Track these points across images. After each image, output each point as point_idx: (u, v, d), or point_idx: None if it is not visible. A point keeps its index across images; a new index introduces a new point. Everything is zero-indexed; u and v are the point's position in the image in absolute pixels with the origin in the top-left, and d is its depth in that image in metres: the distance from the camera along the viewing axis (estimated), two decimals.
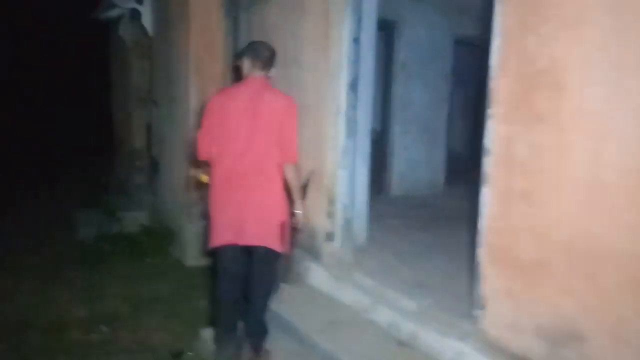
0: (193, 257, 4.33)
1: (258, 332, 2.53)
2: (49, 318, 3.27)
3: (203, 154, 2.54)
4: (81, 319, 3.28)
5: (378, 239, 3.57)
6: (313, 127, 3.29)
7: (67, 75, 12.83)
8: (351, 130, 3.14)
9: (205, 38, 4.40)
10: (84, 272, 4.06)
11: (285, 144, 2.40)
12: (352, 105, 3.12)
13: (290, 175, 2.45)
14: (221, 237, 2.47)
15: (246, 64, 2.47)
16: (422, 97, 5.49)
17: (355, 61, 3.12)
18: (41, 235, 4.95)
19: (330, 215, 3.22)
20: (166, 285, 3.88)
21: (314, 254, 3.34)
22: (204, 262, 4.29)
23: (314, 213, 3.32)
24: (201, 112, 4.42)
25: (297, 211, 2.51)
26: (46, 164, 8.94)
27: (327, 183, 3.22)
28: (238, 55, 2.57)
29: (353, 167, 3.19)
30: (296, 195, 2.49)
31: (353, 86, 3.10)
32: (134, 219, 5.12)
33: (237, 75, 2.62)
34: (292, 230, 2.56)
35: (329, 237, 3.24)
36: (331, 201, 3.20)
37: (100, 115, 7.96)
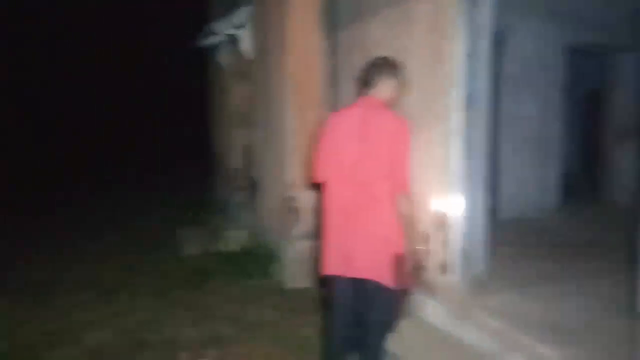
0: (293, 280, 4.29)
1: None
2: (162, 336, 3.37)
3: (316, 177, 2.44)
4: (191, 340, 3.33)
5: (496, 270, 3.25)
6: (422, 149, 3.09)
7: (169, 100, 13.87)
8: (466, 151, 2.90)
9: (303, 60, 4.40)
10: (191, 290, 4.18)
11: (395, 172, 2.22)
12: (467, 124, 2.88)
13: (402, 206, 2.24)
14: (330, 265, 2.38)
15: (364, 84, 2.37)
16: (533, 112, 5.06)
17: (471, 77, 2.89)
18: (149, 253, 5.23)
19: (445, 245, 2.98)
20: (270, 308, 3.85)
21: (427, 286, 3.11)
22: (304, 284, 4.24)
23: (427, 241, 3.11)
24: (300, 135, 4.47)
25: (416, 247, 2.29)
26: (148, 182, 9.58)
27: (442, 209, 2.99)
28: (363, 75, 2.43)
29: (470, 191, 2.93)
30: (408, 228, 2.28)
31: (468, 103, 2.87)
32: (235, 238, 5.22)
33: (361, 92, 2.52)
34: (409, 267, 2.35)
35: (445, 268, 3.00)
36: (446, 229, 2.97)
37: (199, 136, 8.37)
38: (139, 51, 14.22)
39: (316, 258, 4.29)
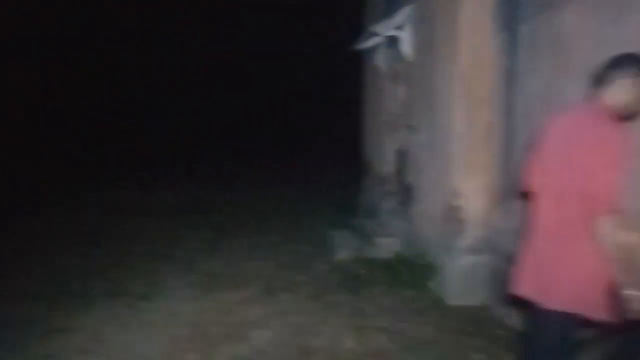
0: (456, 296, 3.95)
1: None
2: (322, 343, 3.32)
3: (528, 184, 2.20)
4: (351, 351, 3.22)
5: None
6: None
7: (325, 103, 14.44)
8: None
9: (473, 58, 4.04)
10: (346, 297, 4.10)
11: (595, 187, 1.86)
12: None
13: (599, 234, 1.86)
14: (522, 285, 2.16)
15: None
16: None
17: None
18: (302, 254, 5.31)
19: None
20: (430, 325, 3.59)
21: None
22: (468, 302, 3.88)
23: None
24: (468, 138, 4.13)
25: (627, 292, 1.84)
26: (301, 183, 9.95)
27: None
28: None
29: None
30: (616, 261, 1.85)
31: None
32: (388, 245, 5.05)
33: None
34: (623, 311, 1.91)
35: None
36: None
37: (352, 140, 8.42)
38: (294, 54, 15.03)
39: (486, 275, 3.93)
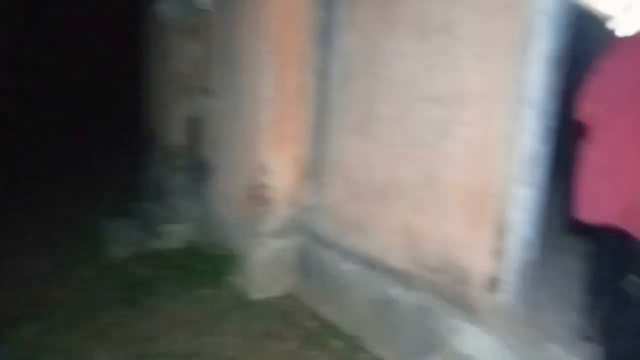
0: (261, 288, 3.34)
1: None
2: None
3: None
4: None
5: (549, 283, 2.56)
6: (475, 124, 2.28)
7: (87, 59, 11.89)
8: (544, 129, 2.14)
9: (283, 8, 3.41)
10: (123, 311, 3.04)
11: None
12: (549, 93, 2.11)
13: None
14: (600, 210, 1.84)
15: None
16: None
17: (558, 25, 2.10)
18: (63, 254, 3.91)
19: (498, 253, 2.20)
20: (231, 332, 2.87)
21: (465, 307, 2.33)
22: (276, 292, 3.31)
23: (468, 248, 2.32)
24: (277, 104, 3.51)
25: None
26: (62, 159, 7.93)
27: (494, 206, 2.21)
28: None
29: (540, 184, 2.18)
30: None
31: (553, 63, 2.10)
32: (178, 234, 4.13)
33: None
34: None
35: (494, 285, 2.23)
36: (500, 233, 2.19)
37: (130, 104, 6.94)
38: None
39: (295, 259, 3.41)
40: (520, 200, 2.14)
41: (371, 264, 2.85)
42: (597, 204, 1.83)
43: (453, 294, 2.37)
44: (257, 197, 3.44)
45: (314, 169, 3.37)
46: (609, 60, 1.93)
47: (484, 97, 2.24)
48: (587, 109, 1.94)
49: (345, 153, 3.07)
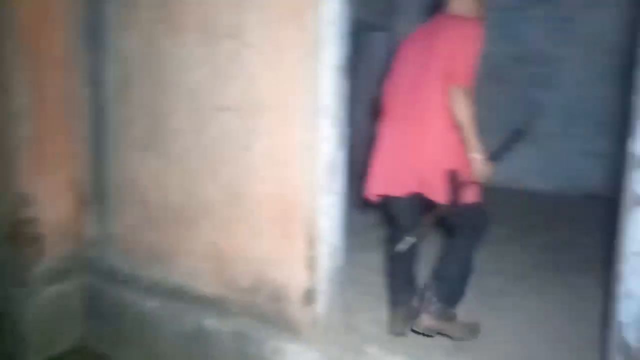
0: (38, 349, 2.68)
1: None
2: None
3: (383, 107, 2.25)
4: None
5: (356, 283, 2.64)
6: (274, 134, 2.18)
7: None
8: (342, 136, 2.16)
9: (36, 3, 2.77)
10: None
11: (452, 66, 1.94)
12: (343, 99, 2.14)
13: (456, 102, 1.92)
14: (380, 186, 2.19)
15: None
16: None
17: (343, 35, 2.13)
18: None
19: (312, 264, 2.16)
20: None
21: (285, 325, 2.23)
22: (61, 348, 2.71)
23: (282, 263, 2.22)
24: (37, 117, 2.84)
25: (474, 156, 1.95)
26: None
27: (304, 217, 2.16)
28: None
29: (341, 190, 2.20)
30: (467, 132, 1.93)
31: (345, 70, 2.12)
32: None
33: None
34: (462, 182, 2.01)
35: (311, 297, 2.18)
36: (312, 243, 2.15)
37: None
38: None
39: (81, 303, 2.82)
40: (326, 208, 2.13)
41: (178, 295, 2.54)
42: (398, 180, 2.13)
43: (271, 314, 2.25)
44: (22, 235, 2.73)
45: (96, 194, 2.84)
46: (395, 61, 2.21)
47: (280, 106, 2.16)
48: (383, 104, 2.23)
49: (133, 172, 2.66)
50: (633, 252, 1.60)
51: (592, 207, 4.63)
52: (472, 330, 2.17)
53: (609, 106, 5.06)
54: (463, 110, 1.90)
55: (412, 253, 2.21)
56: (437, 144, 2.00)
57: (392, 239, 2.25)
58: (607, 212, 2.54)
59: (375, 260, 2.99)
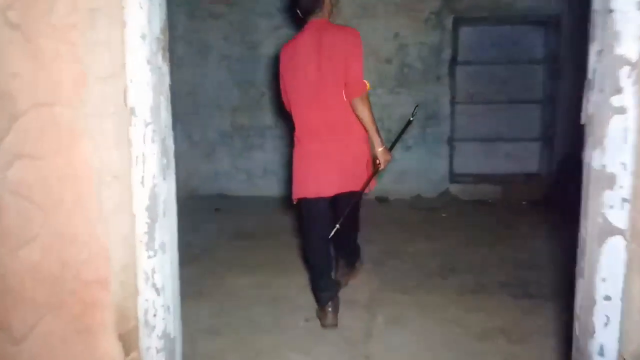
0: None
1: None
2: None
3: (286, 105, 2.49)
4: None
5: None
6: (40, 153, 1.25)
7: None
8: (166, 156, 1.34)
9: None
10: None
11: (349, 77, 2.22)
12: (165, 101, 1.31)
13: (359, 110, 2.26)
14: (308, 190, 2.37)
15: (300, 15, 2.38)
16: None
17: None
18: None
19: (128, 348, 1.37)
20: None
21: None
22: None
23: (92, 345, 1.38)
24: None
25: (378, 148, 2.34)
26: None
27: (115, 289, 1.32)
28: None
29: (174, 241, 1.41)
30: (371, 131, 2.30)
31: (166, 48, 1.28)
32: None
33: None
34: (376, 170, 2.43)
35: None
36: (125, 322, 1.35)
37: None
38: None
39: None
40: (152, 271, 1.33)
41: None
42: (324, 182, 2.33)
43: None
44: None
45: None
46: (284, 67, 2.40)
47: (54, 104, 1.23)
48: (286, 105, 2.48)
49: None
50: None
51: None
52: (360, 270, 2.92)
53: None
54: (366, 116, 2.25)
55: (329, 254, 2.48)
56: (359, 141, 2.35)
57: (310, 234, 2.46)
58: None
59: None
